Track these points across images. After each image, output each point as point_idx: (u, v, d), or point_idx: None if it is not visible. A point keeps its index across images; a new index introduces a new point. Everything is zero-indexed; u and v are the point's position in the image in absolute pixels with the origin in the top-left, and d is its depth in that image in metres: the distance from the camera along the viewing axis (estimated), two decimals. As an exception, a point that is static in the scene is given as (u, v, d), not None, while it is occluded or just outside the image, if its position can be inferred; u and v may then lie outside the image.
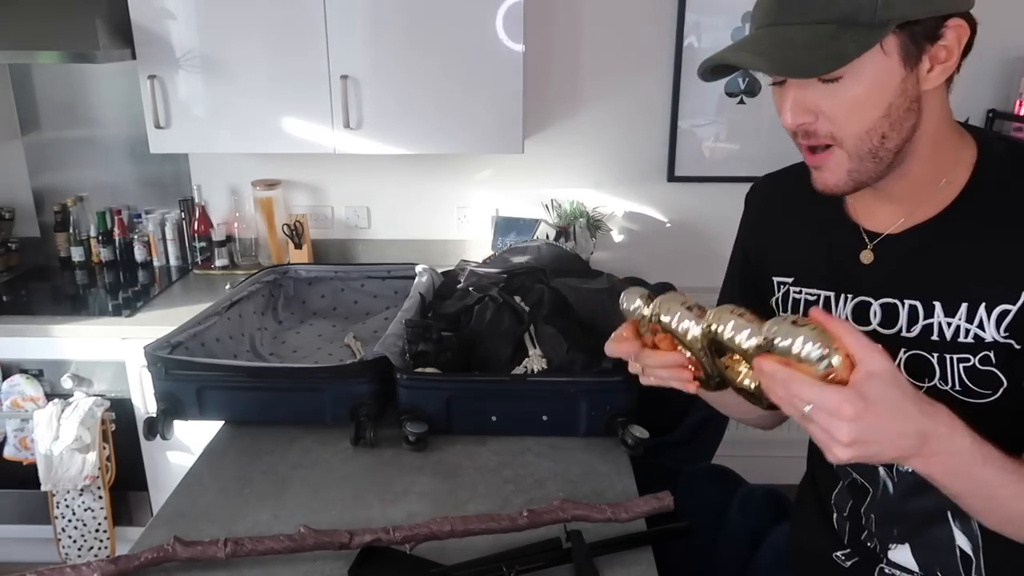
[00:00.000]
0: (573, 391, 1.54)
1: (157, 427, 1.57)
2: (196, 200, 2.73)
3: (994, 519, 0.79)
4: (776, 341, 0.68)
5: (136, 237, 2.76)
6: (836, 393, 0.65)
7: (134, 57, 2.31)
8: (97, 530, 2.38)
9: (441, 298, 1.99)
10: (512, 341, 1.71)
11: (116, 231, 2.77)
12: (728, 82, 2.59)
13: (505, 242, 2.58)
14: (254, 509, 1.35)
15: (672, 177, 2.70)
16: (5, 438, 2.34)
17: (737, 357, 0.78)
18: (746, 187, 1.16)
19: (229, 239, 2.77)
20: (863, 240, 0.91)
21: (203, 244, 2.73)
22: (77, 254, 2.76)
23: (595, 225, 2.66)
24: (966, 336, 0.83)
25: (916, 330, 0.86)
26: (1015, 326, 0.80)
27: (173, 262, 2.79)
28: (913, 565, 0.94)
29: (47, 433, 2.23)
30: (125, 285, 2.67)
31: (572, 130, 2.65)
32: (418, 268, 2.10)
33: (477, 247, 2.75)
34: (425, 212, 2.79)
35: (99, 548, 2.40)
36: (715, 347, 0.77)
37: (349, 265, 2.36)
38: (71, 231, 2.75)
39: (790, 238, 0.99)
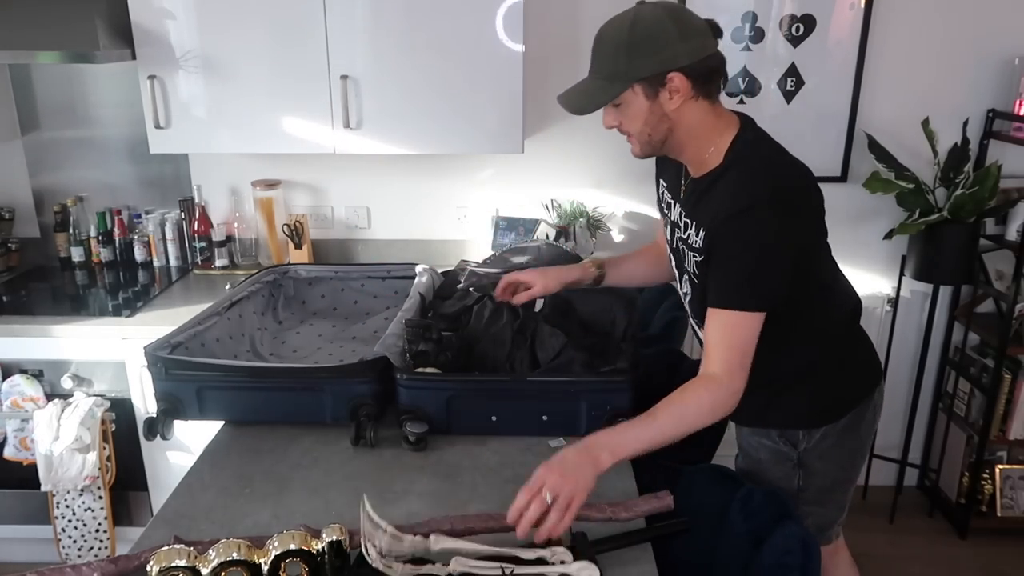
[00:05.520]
0: (573, 391, 1.54)
1: (157, 427, 1.57)
2: (196, 200, 2.73)
3: (679, 437, 1.33)
4: None
5: (136, 237, 2.76)
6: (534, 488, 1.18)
7: (134, 57, 2.30)
8: (97, 530, 2.38)
9: (441, 298, 1.99)
10: (510, 340, 1.71)
11: (116, 231, 2.77)
12: (729, 82, 2.58)
13: (505, 242, 2.58)
14: (254, 509, 1.35)
15: (672, 177, 2.70)
16: (5, 438, 2.34)
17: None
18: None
19: (229, 239, 2.77)
20: (686, 177, 1.47)
21: (203, 244, 2.73)
22: (77, 254, 2.76)
23: (595, 225, 2.66)
24: (696, 244, 1.39)
25: (687, 235, 1.43)
26: (704, 246, 1.36)
27: (173, 262, 2.79)
28: None
29: (47, 433, 2.23)
30: (125, 285, 2.67)
31: (572, 130, 2.65)
32: (418, 268, 2.10)
33: (477, 247, 2.75)
34: (425, 212, 2.79)
35: (99, 548, 2.40)
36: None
37: (349, 265, 2.36)
38: (71, 231, 2.75)
39: (668, 172, 1.55)
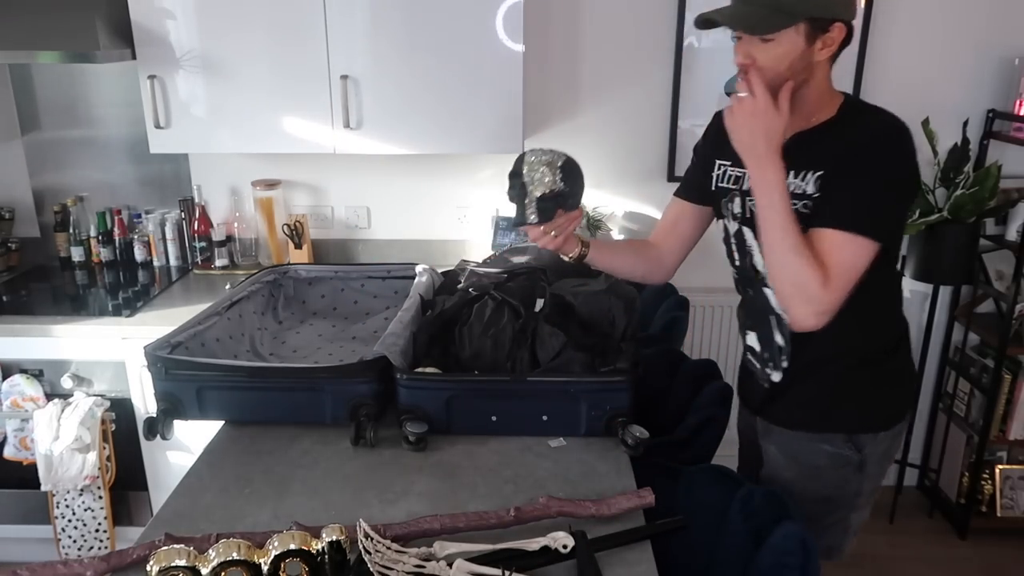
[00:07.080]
0: (573, 391, 1.54)
1: (157, 427, 1.57)
2: (196, 200, 2.73)
3: (764, 241, 1.33)
4: None
5: (136, 237, 2.76)
6: (757, 97, 1.31)
7: (134, 57, 2.31)
8: (97, 530, 2.38)
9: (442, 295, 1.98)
10: (510, 340, 1.71)
11: (116, 231, 2.77)
12: (728, 82, 2.57)
13: (505, 242, 2.58)
14: (254, 509, 1.35)
15: (672, 177, 2.69)
16: (5, 438, 2.34)
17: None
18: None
19: (229, 239, 2.77)
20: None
21: (203, 244, 2.73)
22: (77, 254, 2.76)
23: (595, 225, 2.66)
24: (799, 191, 1.36)
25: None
26: (821, 186, 1.34)
27: (173, 262, 2.79)
28: (757, 346, 1.47)
29: (47, 433, 2.23)
30: (125, 285, 2.67)
31: (572, 130, 2.65)
32: (418, 268, 2.10)
33: (477, 247, 2.75)
34: (425, 212, 2.79)
35: (99, 548, 2.40)
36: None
37: (349, 265, 2.35)
38: (71, 231, 2.75)
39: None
